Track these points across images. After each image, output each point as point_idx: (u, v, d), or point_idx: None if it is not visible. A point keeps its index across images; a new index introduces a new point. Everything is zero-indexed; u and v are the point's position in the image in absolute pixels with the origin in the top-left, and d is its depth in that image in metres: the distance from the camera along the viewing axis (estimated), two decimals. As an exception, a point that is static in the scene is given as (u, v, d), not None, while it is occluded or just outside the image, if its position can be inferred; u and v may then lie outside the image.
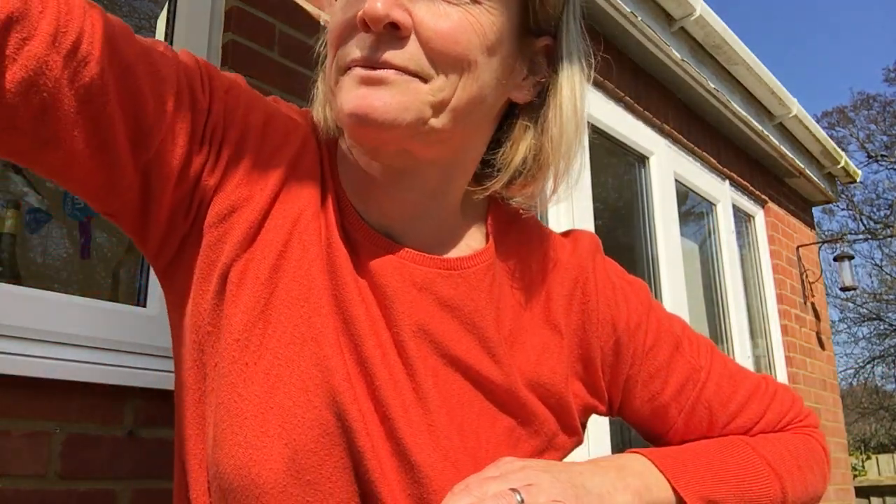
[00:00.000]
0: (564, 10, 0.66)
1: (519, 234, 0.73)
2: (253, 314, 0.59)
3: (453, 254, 0.68)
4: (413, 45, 0.57)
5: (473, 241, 0.70)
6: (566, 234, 0.78)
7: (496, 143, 0.68)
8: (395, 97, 0.57)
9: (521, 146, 0.66)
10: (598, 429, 2.56)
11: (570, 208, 2.71)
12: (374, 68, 0.57)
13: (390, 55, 0.57)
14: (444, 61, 0.58)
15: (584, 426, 0.74)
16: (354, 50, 0.58)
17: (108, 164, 0.54)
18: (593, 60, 0.69)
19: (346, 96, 0.58)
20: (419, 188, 0.65)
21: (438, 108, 0.58)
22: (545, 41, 0.66)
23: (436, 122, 0.59)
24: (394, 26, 0.56)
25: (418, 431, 0.60)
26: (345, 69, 0.59)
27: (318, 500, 0.57)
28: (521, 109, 0.67)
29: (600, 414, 0.76)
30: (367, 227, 0.65)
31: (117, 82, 0.52)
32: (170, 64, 0.58)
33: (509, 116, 0.68)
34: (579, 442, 0.73)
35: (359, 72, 0.57)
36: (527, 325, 0.69)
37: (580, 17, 0.68)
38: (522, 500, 0.55)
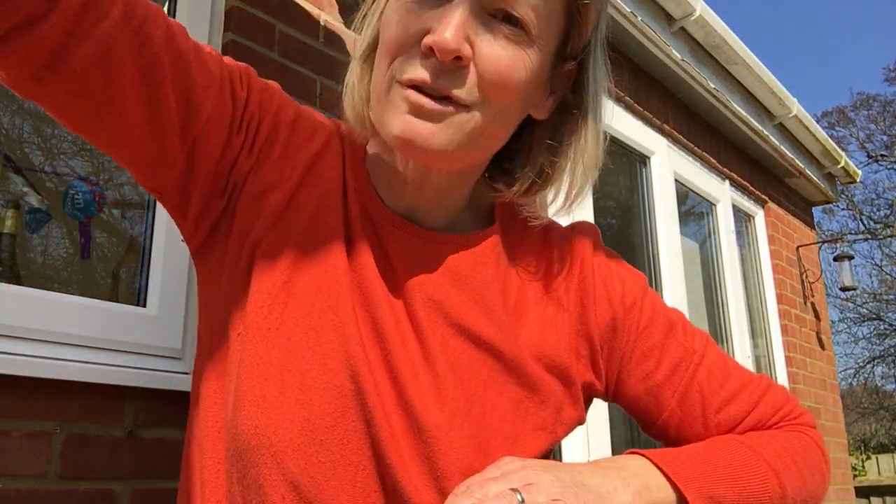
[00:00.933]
0: (593, 38, 0.70)
1: (523, 220, 0.77)
2: (277, 284, 0.64)
3: (463, 233, 0.73)
4: (471, 77, 0.61)
5: (482, 224, 0.76)
6: (568, 225, 0.82)
7: (512, 150, 0.74)
8: (440, 129, 0.62)
9: (537, 158, 0.72)
10: (598, 429, 2.56)
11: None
12: (433, 96, 0.61)
13: (450, 84, 0.61)
14: (494, 94, 0.63)
15: (586, 405, 0.76)
16: (416, 70, 0.61)
17: (159, 137, 0.61)
18: (612, 82, 0.75)
19: (394, 118, 0.62)
20: (441, 183, 0.70)
21: (477, 134, 0.64)
22: (571, 65, 0.70)
23: (472, 146, 0.65)
24: (458, 58, 0.60)
25: (426, 394, 0.64)
26: (400, 84, 0.62)
27: (331, 461, 0.61)
28: (539, 123, 0.72)
29: (598, 395, 0.77)
30: (389, 210, 0.71)
31: (172, 66, 0.60)
32: (215, 60, 0.66)
33: (525, 127, 0.72)
34: (581, 419, 0.75)
35: (413, 97, 0.61)
36: (531, 301, 0.74)
37: (605, 44, 0.72)
38: (523, 500, 0.55)
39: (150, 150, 0.62)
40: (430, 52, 0.60)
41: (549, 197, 0.74)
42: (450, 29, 0.59)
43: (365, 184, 0.71)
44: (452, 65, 0.60)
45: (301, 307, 0.64)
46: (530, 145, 0.72)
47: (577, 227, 0.80)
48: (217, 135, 0.64)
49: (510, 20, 0.62)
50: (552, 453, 0.74)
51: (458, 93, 0.61)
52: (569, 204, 0.73)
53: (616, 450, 2.71)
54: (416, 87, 0.61)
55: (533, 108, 0.70)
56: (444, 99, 0.61)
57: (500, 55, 0.61)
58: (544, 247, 0.77)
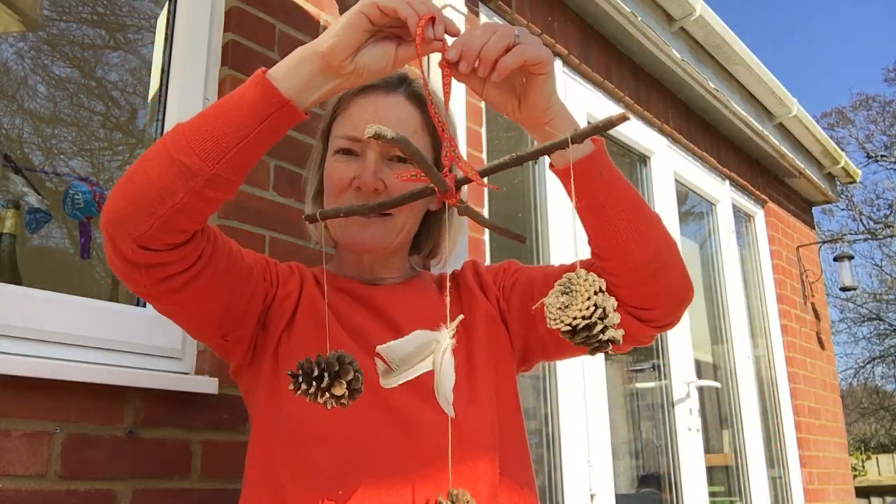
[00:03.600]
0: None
1: (439, 277, 1.22)
2: (294, 331, 1.05)
3: (404, 280, 1.16)
4: (385, 196, 1.01)
5: (409, 275, 1.18)
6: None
7: (420, 234, 1.17)
8: (378, 232, 1.05)
9: (434, 235, 1.18)
10: (598, 430, 2.56)
11: (572, 217, 2.70)
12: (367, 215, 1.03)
13: None
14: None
15: (519, 341, 1.11)
16: (355, 199, 1.03)
17: (227, 304, 0.99)
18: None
19: (350, 234, 1.06)
20: (384, 260, 1.12)
21: (400, 230, 1.07)
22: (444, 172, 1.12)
23: (398, 238, 1.08)
24: (376, 189, 1.02)
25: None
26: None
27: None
28: (434, 213, 1.15)
29: (507, 319, 1.12)
30: (357, 280, 1.11)
31: (234, 268, 0.97)
32: (249, 252, 1.04)
33: (427, 216, 1.16)
34: (512, 341, 1.11)
35: (359, 220, 1.04)
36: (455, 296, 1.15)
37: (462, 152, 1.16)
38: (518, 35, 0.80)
39: (223, 310, 0.99)
40: (359, 190, 1.03)
41: (435, 261, 1.20)
42: (368, 175, 1.02)
43: (333, 276, 1.11)
44: (375, 194, 1.02)
45: (310, 339, 1.02)
46: (428, 229, 1.17)
47: (463, 264, 1.21)
48: (264, 288, 1.04)
49: (402, 160, 1.04)
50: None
51: None
52: (443, 263, 1.18)
53: (616, 450, 2.71)
54: None
55: (429, 204, 1.12)
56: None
57: (396, 181, 1.01)
58: (451, 281, 1.17)
